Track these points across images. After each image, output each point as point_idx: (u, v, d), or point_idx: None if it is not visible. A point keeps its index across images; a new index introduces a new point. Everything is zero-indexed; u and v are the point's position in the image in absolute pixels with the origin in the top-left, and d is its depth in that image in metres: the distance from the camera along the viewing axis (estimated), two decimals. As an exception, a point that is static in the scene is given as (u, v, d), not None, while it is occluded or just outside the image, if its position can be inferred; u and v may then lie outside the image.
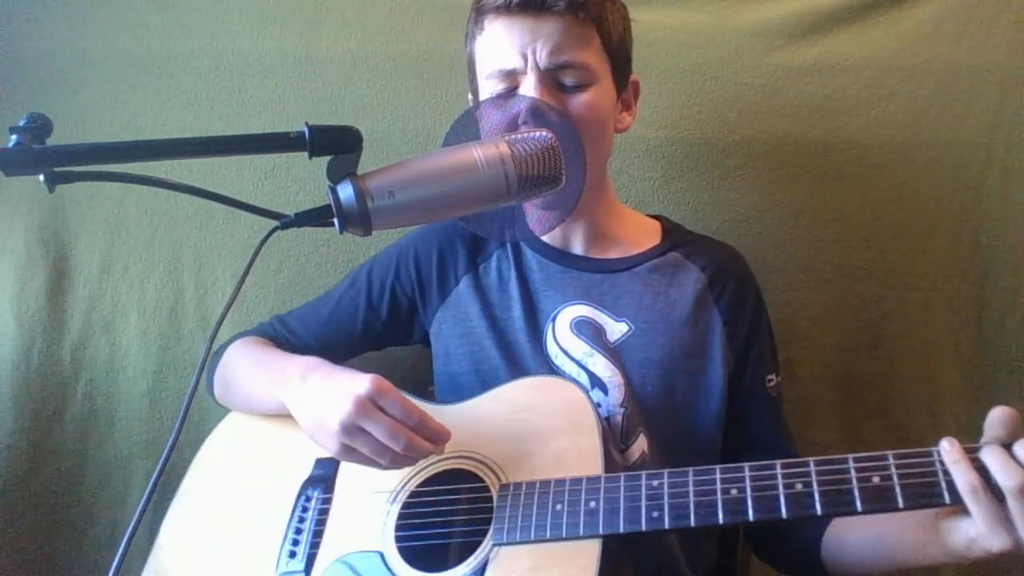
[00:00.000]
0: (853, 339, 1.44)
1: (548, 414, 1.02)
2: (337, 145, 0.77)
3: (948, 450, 0.81)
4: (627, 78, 1.17)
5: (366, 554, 1.00)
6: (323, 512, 1.06)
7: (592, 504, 0.92)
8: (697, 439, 1.11)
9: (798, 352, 1.43)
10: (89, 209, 1.45)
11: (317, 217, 0.79)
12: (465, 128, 1.16)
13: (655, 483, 0.91)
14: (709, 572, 1.15)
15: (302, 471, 1.11)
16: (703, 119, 1.44)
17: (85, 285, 1.44)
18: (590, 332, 1.13)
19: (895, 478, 0.82)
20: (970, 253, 1.43)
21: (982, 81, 1.42)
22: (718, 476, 0.89)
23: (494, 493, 0.98)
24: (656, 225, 1.25)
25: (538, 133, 0.83)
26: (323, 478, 1.09)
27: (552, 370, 1.12)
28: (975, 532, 0.80)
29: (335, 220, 0.77)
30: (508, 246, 1.22)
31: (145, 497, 0.71)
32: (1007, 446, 0.80)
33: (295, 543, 1.04)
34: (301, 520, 1.07)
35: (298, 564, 1.02)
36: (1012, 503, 0.77)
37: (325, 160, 0.77)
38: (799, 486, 0.85)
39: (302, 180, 1.46)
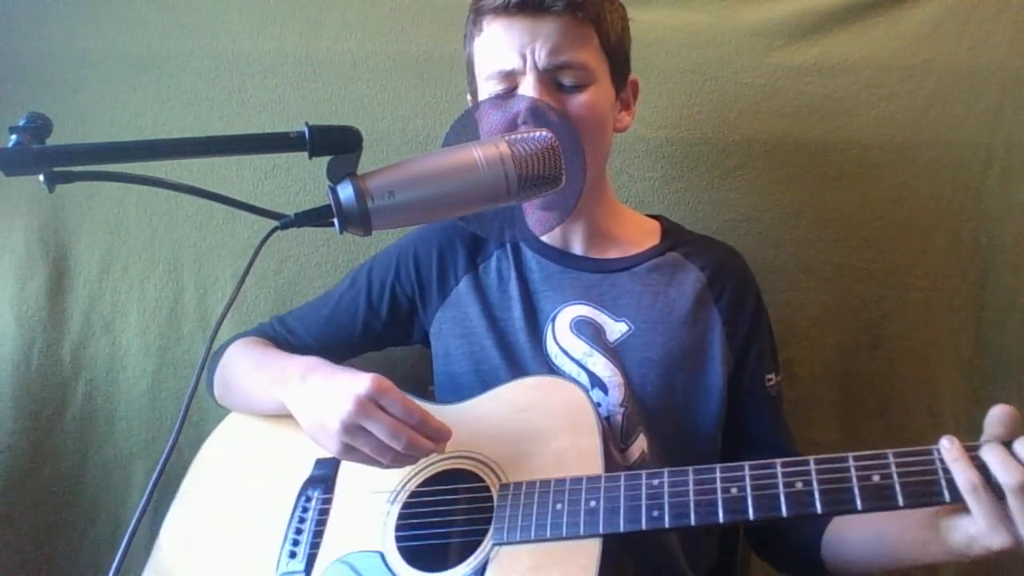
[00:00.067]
0: (853, 339, 1.44)
1: (548, 414, 1.02)
2: (337, 145, 0.77)
3: (948, 448, 0.81)
4: (626, 78, 1.17)
5: (366, 554, 1.00)
6: (323, 512, 1.06)
7: (592, 503, 0.92)
8: (697, 439, 1.11)
9: (798, 352, 1.43)
10: (89, 209, 1.45)
11: (317, 217, 0.79)
12: (465, 129, 1.16)
13: (655, 482, 0.91)
14: (709, 571, 1.15)
15: (302, 471, 1.11)
16: (703, 119, 1.44)
17: (85, 285, 1.44)
18: (590, 332, 1.13)
19: (895, 476, 0.82)
20: (970, 253, 1.43)
21: (982, 81, 1.42)
22: (718, 475, 0.89)
23: (494, 493, 0.98)
24: (656, 225, 1.25)
25: (538, 133, 0.83)
26: (323, 478, 1.09)
27: (552, 370, 1.12)
28: (975, 530, 0.80)
29: (335, 220, 0.77)
30: (508, 246, 1.22)
31: (145, 497, 0.71)
32: (1007, 444, 0.80)
33: (295, 543, 1.04)
34: (301, 520, 1.07)
35: (298, 564, 1.02)
36: (1012, 501, 0.77)
37: (325, 160, 0.77)
38: (799, 485, 0.85)
39: (302, 180, 1.46)
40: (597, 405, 1.04)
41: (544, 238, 1.21)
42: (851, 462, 0.85)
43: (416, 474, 1.05)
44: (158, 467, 0.72)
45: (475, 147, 0.80)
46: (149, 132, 1.43)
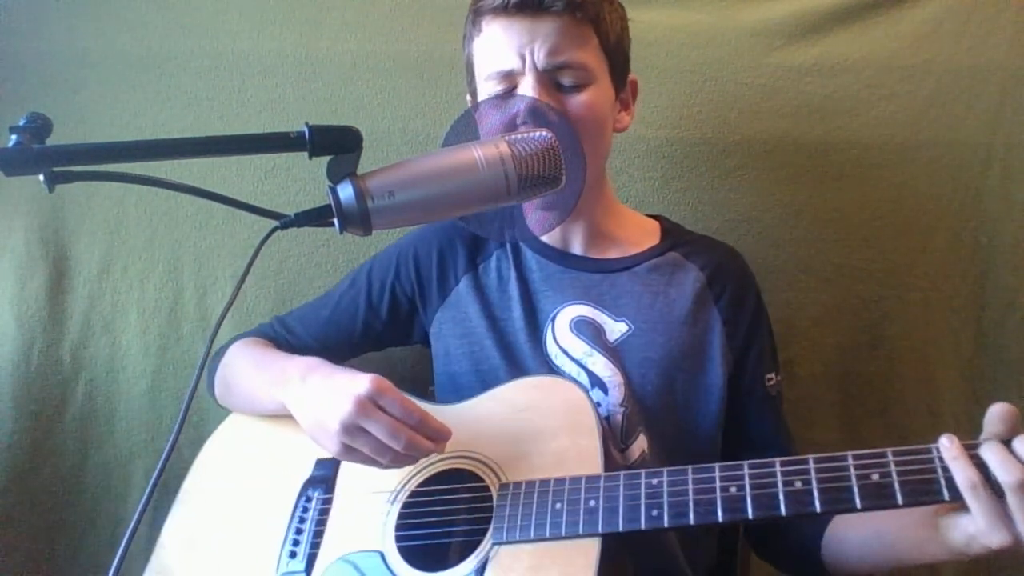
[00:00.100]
0: (853, 339, 1.44)
1: (548, 414, 1.02)
2: (337, 145, 0.77)
3: (947, 446, 0.81)
4: (625, 78, 1.17)
5: (366, 554, 1.00)
6: (323, 512, 1.06)
7: (591, 503, 0.92)
8: (697, 439, 1.11)
9: (798, 352, 1.43)
10: (89, 209, 1.45)
11: (317, 217, 0.79)
12: (464, 129, 1.16)
13: (654, 481, 0.91)
14: (709, 571, 1.15)
15: (303, 471, 1.12)
16: (703, 119, 1.44)
17: (85, 285, 1.44)
18: (590, 332, 1.13)
19: (894, 475, 0.82)
20: (970, 253, 1.43)
21: (982, 81, 1.42)
22: (717, 474, 0.89)
23: (494, 492, 0.98)
24: (655, 225, 1.25)
25: (538, 133, 0.83)
26: (324, 478, 1.10)
27: (552, 370, 1.12)
28: (974, 529, 0.80)
29: (335, 220, 0.77)
30: (507, 246, 1.22)
31: (145, 497, 0.71)
32: (1006, 442, 0.79)
33: (295, 543, 1.05)
34: (302, 520, 1.07)
35: (298, 564, 1.02)
36: (1011, 499, 0.77)
37: (325, 160, 0.77)
38: (798, 484, 0.85)
39: (302, 180, 1.46)
40: (597, 405, 1.04)
41: (544, 238, 1.21)
42: (850, 461, 0.85)
43: (416, 474, 1.05)
44: (158, 467, 0.72)
45: (475, 147, 0.80)
46: (149, 132, 1.43)
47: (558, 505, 0.93)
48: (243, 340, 1.26)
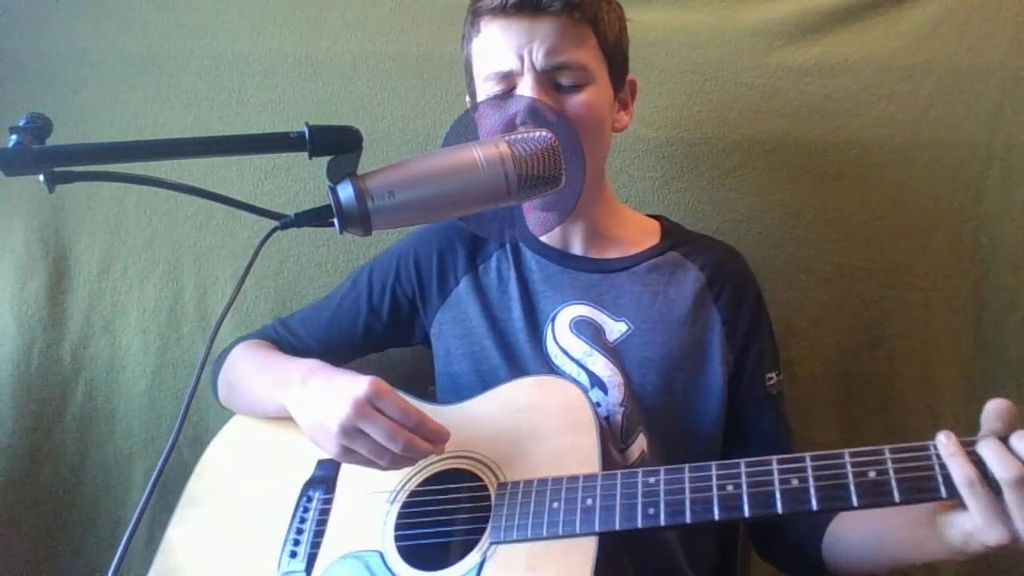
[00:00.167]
0: (853, 339, 1.44)
1: (547, 413, 1.02)
2: (337, 145, 0.77)
3: (944, 443, 0.80)
4: (624, 78, 1.17)
5: (366, 553, 1.00)
6: (324, 512, 1.06)
7: (588, 502, 0.92)
8: (697, 438, 1.11)
9: (798, 352, 1.43)
10: (89, 209, 1.45)
11: (317, 217, 0.79)
12: (463, 130, 1.16)
13: (651, 480, 0.91)
14: (709, 571, 1.15)
15: (303, 472, 1.12)
16: (703, 119, 1.44)
17: (85, 285, 1.44)
18: (589, 332, 1.13)
19: (891, 472, 0.82)
20: (970, 253, 1.43)
21: (982, 81, 1.42)
22: (714, 472, 0.89)
23: (492, 492, 0.98)
24: (655, 225, 1.25)
25: (538, 133, 0.83)
26: (324, 479, 1.10)
27: (552, 370, 1.12)
28: (972, 526, 0.79)
29: (335, 220, 0.77)
30: (507, 246, 1.22)
31: (145, 497, 0.71)
32: (1003, 439, 0.79)
33: (296, 543, 1.05)
34: (302, 520, 1.07)
35: (299, 564, 1.02)
36: (1009, 495, 0.76)
37: (325, 160, 0.77)
38: (795, 481, 0.85)
39: (302, 180, 1.46)
40: (597, 405, 1.04)
41: (544, 238, 1.21)
42: (847, 458, 0.84)
43: (415, 474, 1.05)
44: (158, 467, 0.72)
45: (475, 147, 0.80)
46: (149, 132, 1.43)
47: (555, 504, 0.93)
48: (246, 342, 1.26)
